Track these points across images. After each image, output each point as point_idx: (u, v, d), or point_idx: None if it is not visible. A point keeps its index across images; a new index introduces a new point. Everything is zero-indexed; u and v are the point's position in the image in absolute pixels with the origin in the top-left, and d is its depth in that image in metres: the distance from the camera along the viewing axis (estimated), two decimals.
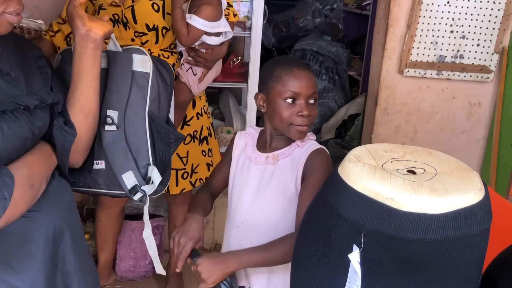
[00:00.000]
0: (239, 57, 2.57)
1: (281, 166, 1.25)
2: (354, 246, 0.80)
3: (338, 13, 4.12)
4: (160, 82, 1.25)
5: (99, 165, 1.19)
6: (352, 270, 0.82)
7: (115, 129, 1.17)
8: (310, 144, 1.24)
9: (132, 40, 1.67)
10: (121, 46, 1.24)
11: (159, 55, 1.70)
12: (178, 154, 1.85)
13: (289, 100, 1.16)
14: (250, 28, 2.38)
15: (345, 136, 3.13)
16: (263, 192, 1.26)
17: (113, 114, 1.16)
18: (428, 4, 2.15)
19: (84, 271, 1.11)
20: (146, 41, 1.68)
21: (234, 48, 2.95)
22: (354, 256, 0.81)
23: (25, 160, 0.97)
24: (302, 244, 0.92)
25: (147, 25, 1.65)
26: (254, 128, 1.37)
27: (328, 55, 3.65)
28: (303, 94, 1.16)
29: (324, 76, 3.62)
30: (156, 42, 1.69)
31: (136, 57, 1.20)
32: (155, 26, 1.66)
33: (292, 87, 1.16)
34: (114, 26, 1.62)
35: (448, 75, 2.26)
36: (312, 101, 1.19)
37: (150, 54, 1.28)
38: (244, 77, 2.49)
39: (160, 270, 1.31)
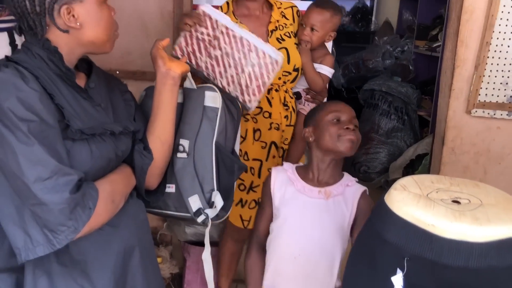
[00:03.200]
0: None
1: (335, 203, 1.33)
2: (398, 269, 0.85)
3: (408, 55, 4.14)
4: (228, 117, 1.37)
5: (170, 188, 1.32)
6: None
7: (186, 156, 1.30)
8: (358, 186, 1.36)
9: (279, 78, 1.84)
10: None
11: (286, 92, 1.89)
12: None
13: (334, 120, 1.34)
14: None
15: None
16: (319, 226, 1.32)
17: (184, 142, 1.30)
18: (497, 45, 2.14)
19: None
20: (288, 80, 1.86)
21: None
22: (398, 280, 0.85)
23: (109, 178, 1.12)
24: (350, 267, 0.97)
25: (294, 66, 1.85)
26: (289, 165, 1.44)
27: (397, 96, 3.67)
28: (345, 114, 1.35)
29: (393, 116, 3.62)
30: (293, 81, 1.88)
31: (208, 94, 1.34)
32: (297, 68, 1.86)
33: (334, 108, 1.36)
34: None
35: None
36: (352, 126, 1.32)
37: (223, 92, 1.42)
38: None
39: None
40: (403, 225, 0.84)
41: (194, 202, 1.29)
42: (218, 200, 1.30)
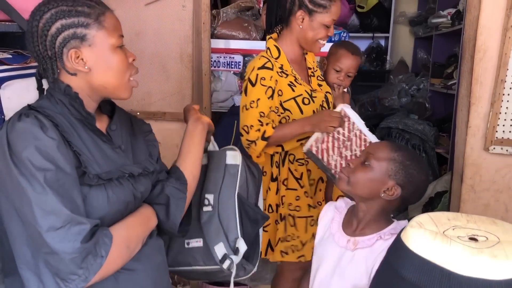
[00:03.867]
0: None
1: (359, 255, 1.25)
2: None
3: (424, 93, 4.16)
4: (248, 174, 1.48)
5: (198, 243, 1.39)
6: None
7: (211, 209, 1.39)
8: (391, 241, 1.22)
9: None
10: None
11: None
12: None
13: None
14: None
15: None
16: (337, 277, 1.28)
17: (209, 196, 1.41)
18: None
19: None
20: None
21: None
22: None
23: (126, 222, 1.12)
24: None
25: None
26: (345, 201, 1.40)
27: (414, 133, 3.67)
28: (363, 152, 1.32)
29: None
30: None
31: (229, 153, 1.47)
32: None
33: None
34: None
35: None
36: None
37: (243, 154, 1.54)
38: None
39: None
40: (420, 262, 0.84)
41: (220, 250, 1.35)
42: (241, 245, 1.36)
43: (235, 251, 1.35)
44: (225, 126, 2.74)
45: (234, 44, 2.78)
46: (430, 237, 0.86)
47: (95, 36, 1.08)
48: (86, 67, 1.10)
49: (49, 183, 0.98)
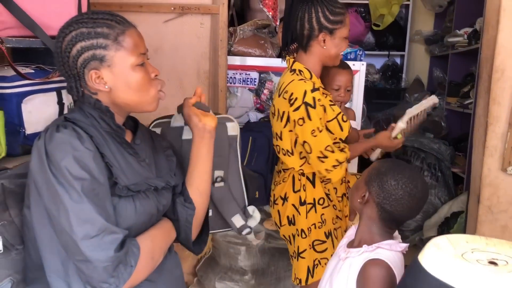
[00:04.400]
0: None
1: (346, 265, 1.25)
2: None
3: (440, 112, 4.13)
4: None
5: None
6: None
7: (223, 185, 1.48)
8: (378, 252, 1.19)
9: None
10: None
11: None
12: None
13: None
14: None
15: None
16: (328, 286, 1.30)
17: (219, 173, 1.49)
18: None
19: None
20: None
21: None
22: None
23: (150, 233, 1.16)
24: None
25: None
26: None
27: (430, 152, 3.63)
28: None
29: (426, 173, 3.58)
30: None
31: (229, 125, 1.54)
32: None
33: None
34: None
35: None
36: None
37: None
38: None
39: None
40: (438, 285, 0.83)
41: (238, 221, 1.50)
42: (256, 213, 1.55)
43: (248, 216, 1.53)
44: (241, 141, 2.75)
45: (250, 61, 2.80)
46: (448, 259, 0.85)
47: (113, 56, 1.11)
48: (106, 87, 1.13)
49: (85, 192, 1.01)
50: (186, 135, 1.47)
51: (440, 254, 0.87)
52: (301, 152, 1.86)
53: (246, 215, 1.53)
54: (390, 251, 1.20)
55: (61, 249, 1.04)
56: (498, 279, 0.80)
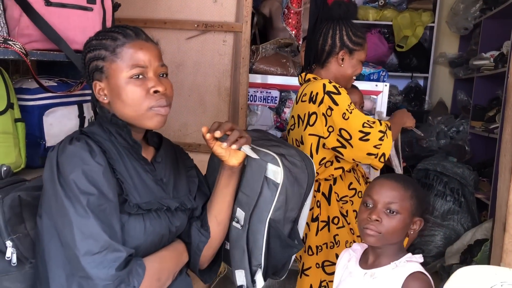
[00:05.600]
0: None
1: (378, 285, 1.23)
2: None
3: (464, 135, 4.05)
4: (289, 190, 1.26)
5: (226, 246, 1.34)
6: None
7: (240, 228, 1.27)
8: (411, 266, 1.21)
9: None
10: None
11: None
12: None
13: (365, 205, 1.28)
14: None
15: (471, 263, 2.90)
16: None
17: (240, 214, 1.27)
18: None
19: None
20: None
21: None
22: None
23: (159, 254, 1.13)
24: None
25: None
26: (361, 245, 1.39)
27: (453, 176, 3.55)
28: (376, 199, 1.26)
29: (449, 197, 3.49)
30: None
31: (270, 166, 1.25)
32: None
33: (369, 192, 1.30)
34: None
35: None
36: (376, 216, 1.24)
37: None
38: None
39: None
40: None
41: (240, 277, 1.28)
42: (259, 279, 1.28)
43: (254, 281, 1.29)
44: None
45: (272, 79, 2.80)
46: None
47: (109, 68, 1.11)
48: (105, 99, 1.14)
49: (91, 207, 1.00)
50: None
51: (467, 287, 0.83)
52: (323, 159, 1.80)
53: (252, 275, 1.29)
54: (418, 263, 1.23)
55: (67, 263, 1.03)
56: None
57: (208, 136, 1.16)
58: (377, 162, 1.74)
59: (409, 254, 1.27)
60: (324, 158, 1.81)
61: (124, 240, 1.05)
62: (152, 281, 1.07)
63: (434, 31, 4.69)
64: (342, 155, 1.76)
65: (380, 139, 1.71)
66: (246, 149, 1.20)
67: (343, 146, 1.74)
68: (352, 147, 1.72)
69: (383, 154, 1.73)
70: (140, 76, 1.11)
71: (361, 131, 1.70)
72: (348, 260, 1.36)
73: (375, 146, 1.71)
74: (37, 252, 1.11)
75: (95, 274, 0.97)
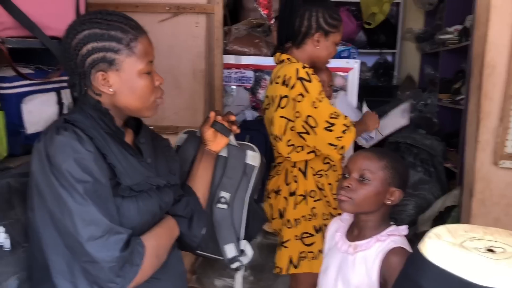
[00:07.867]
0: None
1: (360, 259, 1.28)
2: None
3: (432, 108, 4.18)
4: (260, 170, 1.52)
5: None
6: None
7: (226, 208, 1.43)
8: (392, 240, 1.25)
9: None
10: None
11: None
12: None
13: (344, 174, 1.34)
14: None
15: None
16: (341, 282, 1.31)
17: (226, 195, 1.44)
18: None
19: None
20: None
21: None
22: None
23: (154, 232, 1.17)
24: None
25: None
26: (349, 215, 1.43)
27: (422, 148, 3.68)
28: (351, 167, 1.32)
29: (419, 168, 3.63)
30: None
31: (249, 153, 1.49)
32: None
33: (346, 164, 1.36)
34: None
35: None
36: (348, 183, 1.30)
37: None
38: None
39: None
40: (439, 272, 0.86)
41: (230, 250, 1.42)
42: (248, 248, 1.44)
43: (243, 252, 1.45)
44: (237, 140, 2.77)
45: (245, 59, 2.82)
46: (448, 248, 0.88)
47: (123, 61, 1.11)
48: (111, 90, 1.13)
49: (88, 194, 1.02)
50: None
51: (440, 243, 0.90)
52: (289, 140, 1.87)
53: (239, 248, 1.45)
54: (400, 237, 1.26)
55: (66, 250, 1.05)
56: (496, 266, 0.83)
57: (212, 114, 1.40)
58: (335, 153, 1.83)
59: (392, 227, 1.31)
60: (290, 140, 1.87)
61: (120, 222, 1.08)
62: (152, 257, 1.11)
63: (400, 7, 4.79)
64: (305, 140, 1.83)
65: (343, 131, 1.80)
66: (231, 139, 1.46)
67: (307, 133, 1.81)
68: (316, 134, 1.79)
69: (343, 147, 1.82)
70: (150, 72, 1.17)
71: (327, 121, 1.78)
72: (336, 230, 1.42)
73: (337, 138, 1.79)
74: (32, 241, 1.13)
75: (100, 257, 1.00)
